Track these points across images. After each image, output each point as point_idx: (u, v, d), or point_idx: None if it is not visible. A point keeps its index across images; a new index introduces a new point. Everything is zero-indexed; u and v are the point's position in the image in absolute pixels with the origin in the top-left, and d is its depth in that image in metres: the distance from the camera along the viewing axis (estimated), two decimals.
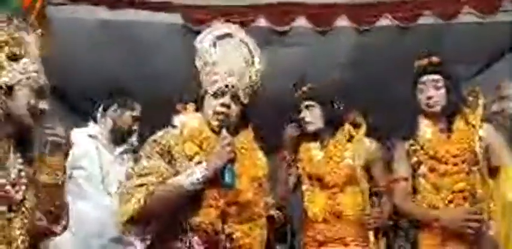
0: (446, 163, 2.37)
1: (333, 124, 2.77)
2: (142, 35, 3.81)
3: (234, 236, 1.88)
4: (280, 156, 2.90)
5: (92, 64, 3.93)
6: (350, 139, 2.75)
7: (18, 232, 1.62)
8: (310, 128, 2.78)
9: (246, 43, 2.11)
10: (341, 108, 2.78)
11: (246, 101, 2.04)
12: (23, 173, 1.68)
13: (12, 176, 1.65)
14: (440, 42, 3.69)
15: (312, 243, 2.69)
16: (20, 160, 1.69)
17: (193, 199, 1.85)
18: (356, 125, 2.80)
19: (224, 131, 1.95)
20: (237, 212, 1.90)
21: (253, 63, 2.09)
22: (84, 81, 4.01)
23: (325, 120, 2.75)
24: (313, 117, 2.76)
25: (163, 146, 1.93)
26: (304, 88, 2.81)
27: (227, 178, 1.86)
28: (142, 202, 1.80)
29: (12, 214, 1.62)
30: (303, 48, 3.97)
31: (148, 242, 1.91)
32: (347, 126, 2.77)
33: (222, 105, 1.98)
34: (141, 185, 1.83)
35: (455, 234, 2.27)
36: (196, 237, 1.84)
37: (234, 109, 2.01)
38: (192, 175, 1.84)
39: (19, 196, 1.64)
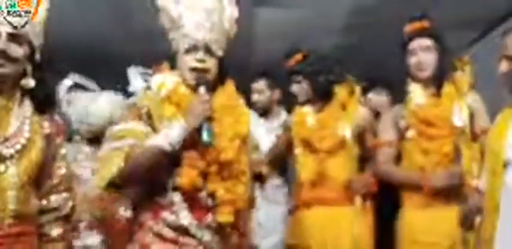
0: (435, 127, 2.40)
1: (324, 95, 2.77)
2: None
3: (217, 194, 1.87)
4: None
5: (78, 25, 3.84)
6: (343, 107, 2.76)
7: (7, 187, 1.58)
8: (300, 99, 2.81)
9: None
10: (331, 80, 2.76)
11: (220, 53, 1.97)
12: (26, 128, 1.63)
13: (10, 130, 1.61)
14: (439, 6, 3.49)
15: (301, 206, 2.74)
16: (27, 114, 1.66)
17: (172, 159, 1.83)
18: (351, 92, 2.80)
19: (202, 89, 1.89)
20: (218, 171, 1.89)
21: (223, 10, 1.99)
22: (71, 44, 3.91)
23: (314, 93, 2.76)
24: (301, 91, 2.77)
25: (140, 109, 1.89)
26: (292, 63, 2.80)
27: (205, 136, 1.83)
28: (121, 165, 1.79)
29: (2, 168, 1.57)
30: (298, 10, 3.76)
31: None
32: (341, 94, 2.77)
33: (196, 60, 1.91)
34: (118, 148, 1.81)
35: (441, 195, 2.34)
36: (178, 196, 1.85)
37: (210, 63, 1.94)
38: (169, 134, 1.80)
39: (8, 151, 1.59)
